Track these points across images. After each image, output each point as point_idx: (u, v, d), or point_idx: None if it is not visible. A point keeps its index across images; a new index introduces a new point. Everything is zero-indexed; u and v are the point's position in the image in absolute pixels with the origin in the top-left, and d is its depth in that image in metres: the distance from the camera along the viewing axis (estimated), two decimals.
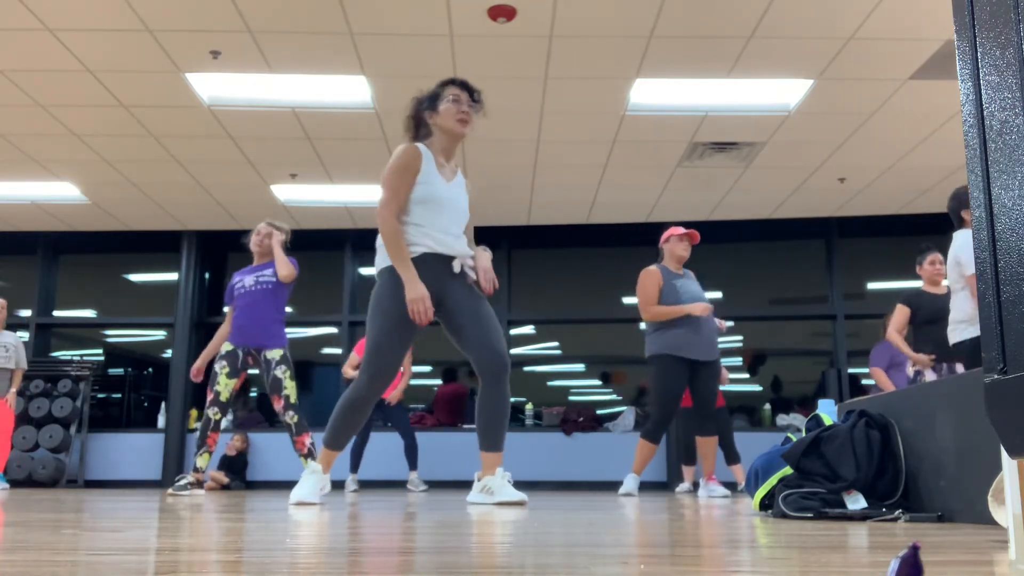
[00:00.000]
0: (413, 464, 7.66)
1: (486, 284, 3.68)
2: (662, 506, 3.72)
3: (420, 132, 3.79)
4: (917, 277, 5.70)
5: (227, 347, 5.39)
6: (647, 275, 5.64)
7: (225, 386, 5.31)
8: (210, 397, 5.29)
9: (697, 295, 5.64)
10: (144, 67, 5.90)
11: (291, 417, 5.30)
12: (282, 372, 5.33)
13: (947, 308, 5.33)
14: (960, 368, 5.25)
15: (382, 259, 3.65)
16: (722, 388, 7.75)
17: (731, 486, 8.07)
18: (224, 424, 9.12)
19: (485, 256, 3.75)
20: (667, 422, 5.51)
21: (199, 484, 5.35)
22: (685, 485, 7.46)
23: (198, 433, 5.31)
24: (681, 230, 5.74)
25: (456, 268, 3.63)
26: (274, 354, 5.38)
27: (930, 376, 5.32)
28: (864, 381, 9.25)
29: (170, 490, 5.22)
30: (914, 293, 5.52)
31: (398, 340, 3.53)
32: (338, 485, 8.59)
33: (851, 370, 9.25)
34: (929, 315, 5.39)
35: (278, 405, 5.33)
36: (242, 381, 5.48)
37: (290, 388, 5.33)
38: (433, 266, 3.61)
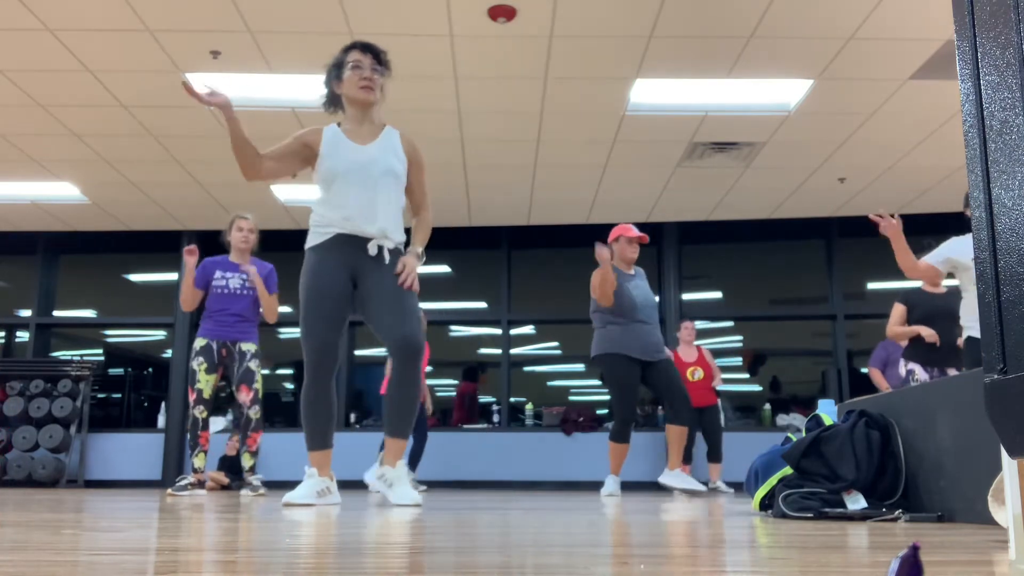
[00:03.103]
0: (412, 466, 7.65)
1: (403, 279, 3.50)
2: (662, 506, 3.72)
3: (338, 102, 3.69)
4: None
5: (201, 342, 5.38)
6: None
7: (206, 383, 5.32)
8: (193, 397, 5.30)
9: (644, 296, 5.67)
10: (144, 67, 5.90)
11: (255, 412, 5.35)
12: (256, 365, 5.40)
13: (944, 308, 5.33)
14: (952, 372, 5.27)
15: (307, 242, 3.59)
16: (720, 388, 7.76)
17: (706, 483, 8.05)
18: (223, 425, 9.14)
19: (410, 260, 3.54)
20: (630, 420, 5.52)
21: (200, 484, 5.35)
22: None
23: (188, 435, 5.31)
24: (632, 232, 5.72)
25: (372, 251, 3.50)
26: (249, 347, 5.44)
27: (922, 376, 5.33)
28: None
29: (170, 490, 5.22)
30: (912, 291, 5.52)
31: (319, 320, 3.45)
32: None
33: (863, 370, 9.24)
34: (925, 314, 5.39)
35: (246, 396, 5.35)
36: (221, 376, 5.47)
37: (259, 382, 5.40)
38: (345, 247, 3.51)
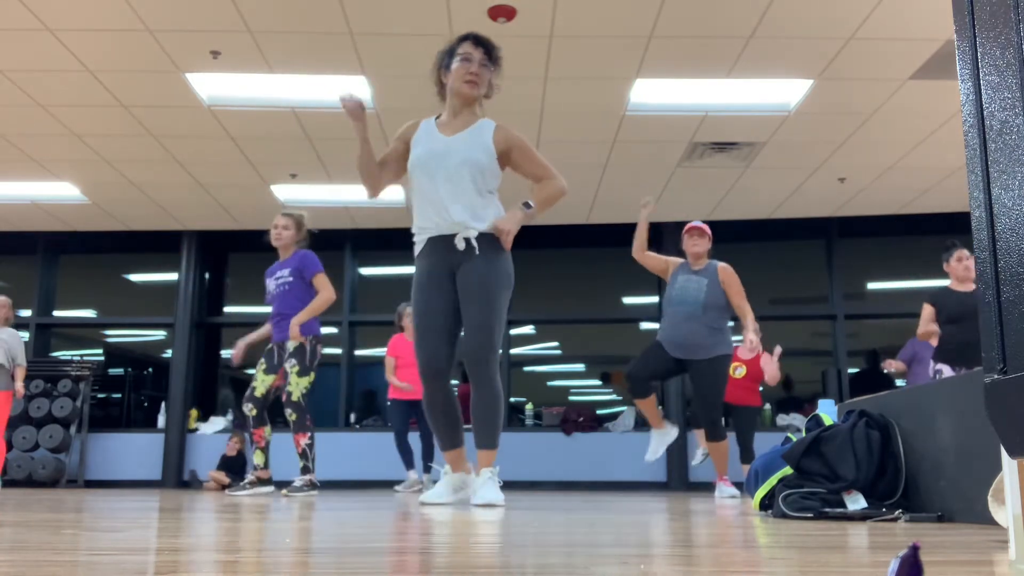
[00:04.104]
0: (427, 467, 7.63)
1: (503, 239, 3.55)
2: (662, 506, 3.72)
3: (444, 89, 3.65)
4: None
5: (268, 346, 5.47)
6: (670, 260, 5.71)
7: (261, 382, 5.32)
8: (247, 393, 5.33)
9: (687, 292, 5.50)
10: (144, 67, 5.90)
11: (289, 414, 5.26)
12: (290, 367, 5.26)
13: (973, 306, 5.30)
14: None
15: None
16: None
17: (741, 485, 8.05)
18: (223, 425, 9.13)
19: (509, 215, 3.55)
20: (631, 375, 5.41)
21: (264, 482, 5.35)
22: (701, 451, 7.36)
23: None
24: (687, 226, 5.65)
25: (460, 245, 3.49)
26: (291, 344, 5.34)
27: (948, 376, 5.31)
28: (885, 370, 9.26)
29: (228, 491, 5.23)
30: (939, 291, 5.48)
31: (428, 333, 3.49)
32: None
33: (888, 370, 9.23)
34: (953, 314, 5.34)
35: (284, 398, 5.32)
36: (282, 377, 5.42)
37: (294, 384, 5.25)
38: (439, 249, 3.54)
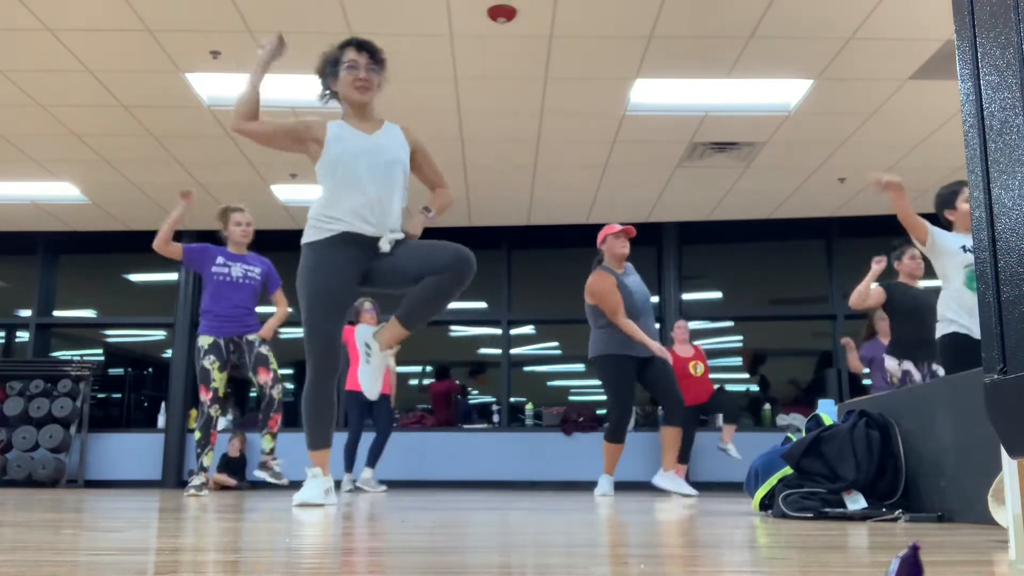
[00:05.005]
0: (372, 461, 7.45)
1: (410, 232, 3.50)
2: (662, 506, 3.72)
3: (335, 96, 3.62)
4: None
5: (208, 340, 5.27)
6: (603, 280, 5.60)
7: (220, 380, 5.25)
8: (208, 395, 5.17)
9: (642, 291, 5.70)
10: (144, 67, 5.90)
11: (279, 391, 5.30)
12: (267, 350, 5.36)
13: (925, 301, 5.35)
14: (936, 366, 5.29)
15: (305, 236, 3.51)
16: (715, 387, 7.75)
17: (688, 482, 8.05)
18: (224, 424, 9.12)
19: (418, 222, 3.51)
20: (626, 421, 5.52)
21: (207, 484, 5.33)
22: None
23: (199, 432, 5.16)
24: (616, 227, 5.72)
25: (385, 247, 3.43)
26: (256, 337, 5.39)
27: (916, 376, 5.35)
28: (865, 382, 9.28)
29: (192, 491, 5.05)
30: (892, 284, 5.57)
31: (327, 316, 3.37)
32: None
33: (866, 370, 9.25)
34: (908, 308, 5.41)
35: (266, 376, 5.27)
36: (229, 372, 5.41)
37: (275, 364, 5.36)
38: (351, 245, 3.42)
